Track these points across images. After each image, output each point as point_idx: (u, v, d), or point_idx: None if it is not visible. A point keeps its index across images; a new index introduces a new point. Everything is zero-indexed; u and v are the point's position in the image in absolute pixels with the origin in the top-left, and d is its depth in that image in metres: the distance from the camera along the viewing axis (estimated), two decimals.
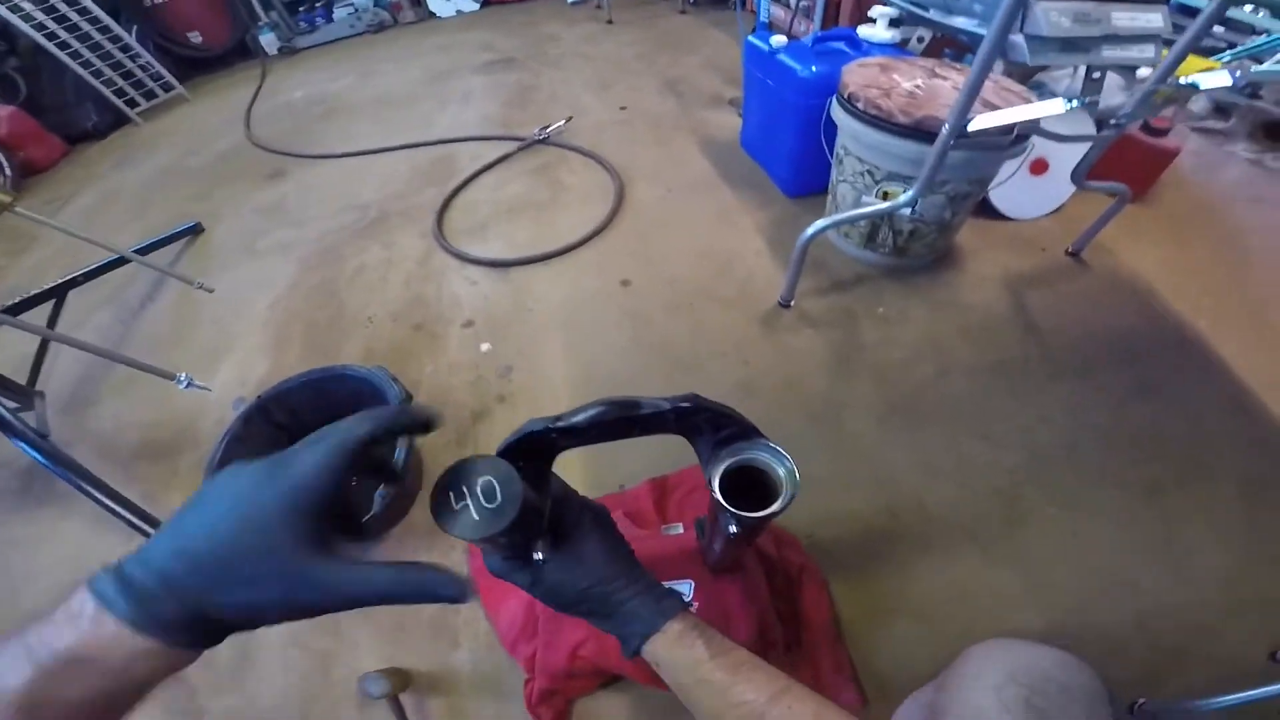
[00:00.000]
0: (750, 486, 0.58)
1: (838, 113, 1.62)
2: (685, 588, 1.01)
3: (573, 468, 1.36)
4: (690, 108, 2.55)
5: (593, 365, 1.57)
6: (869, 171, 1.61)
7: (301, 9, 4.61)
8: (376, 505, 1.17)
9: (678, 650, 0.54)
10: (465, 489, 0.45)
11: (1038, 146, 1.78)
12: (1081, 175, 1.62)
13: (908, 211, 1.58)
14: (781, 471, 0.57)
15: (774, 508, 0.55)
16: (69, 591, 0.37)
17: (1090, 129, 1.59)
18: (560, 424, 0.52)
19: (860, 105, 1.53)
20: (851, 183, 1.67)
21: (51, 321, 1.72)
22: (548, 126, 2.46)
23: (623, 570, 0.57)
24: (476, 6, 4.64)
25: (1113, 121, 1.48)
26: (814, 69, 1.76)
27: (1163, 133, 1.90)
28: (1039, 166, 1.85)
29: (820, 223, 1.53)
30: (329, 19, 4.60)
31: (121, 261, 1.90)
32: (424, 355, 1.64)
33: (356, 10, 4.58)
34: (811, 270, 1.73)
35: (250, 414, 1.32)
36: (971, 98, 1.21)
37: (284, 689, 1.15)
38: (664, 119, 2.50)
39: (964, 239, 1.82)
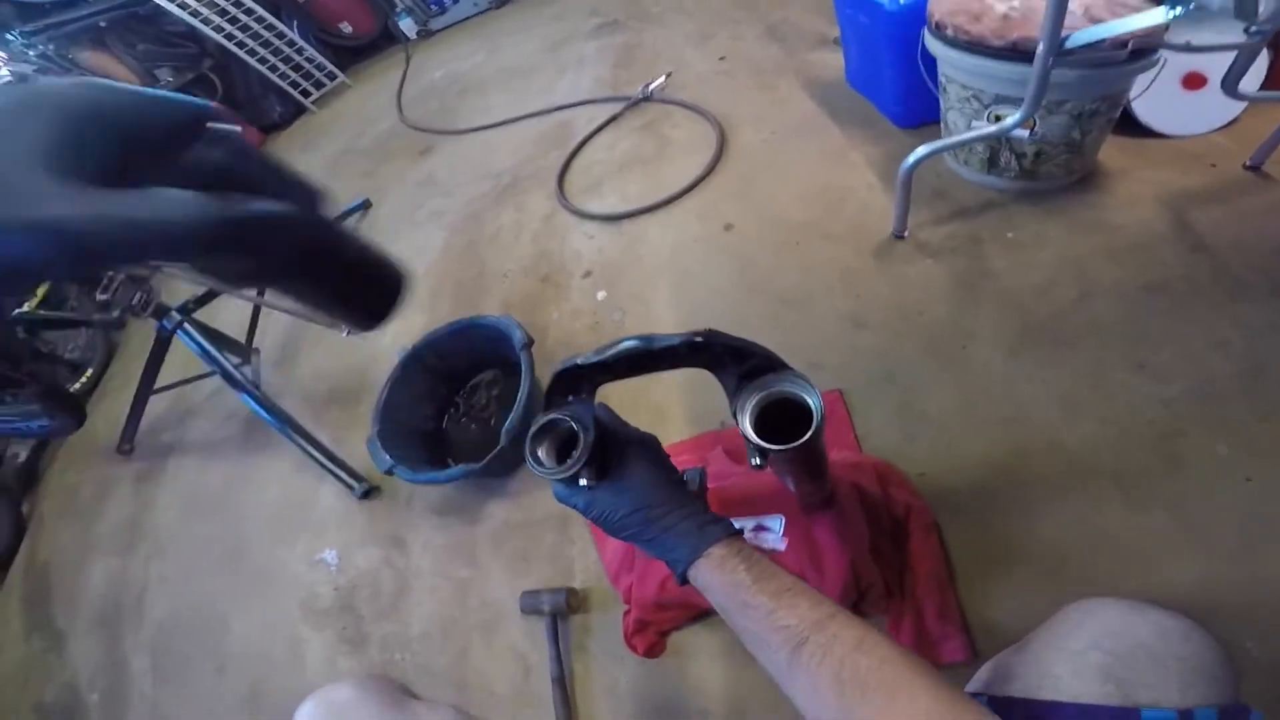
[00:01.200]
0: (787, 420, 0.54)
1: (931, 42, 1.37)
2: (775, 524, 0.92)
3: (674, 406, 1.30)
4: (794, 51, 2.28)
5: (698, 307, 1.49)
6: (975, 96, 1.36)
7: None
8: (502, 440, 1.16)
9: (720, 575, 0.51)
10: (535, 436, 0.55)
11: (1191, 59, 1.40)
12: (1233, 85, 1.25)
13: (1025, 134, 1.33)
14: (811, 402, 0.53)
15: (797, 442, 0.52)
16: None
17: (1237, 37, 1.21)
18: (584, 361, 0.54)
19: (950, 33, 1.29)
20: (959, 109, 1.42)
21: (261, 289, 1.87)
22: (650, 84, 2.32)
23: (667, 497, 0.54)
24: None
25: (1252, 29, 1.13)
26: (902, 1, 1.49)
27: None
28: (1195, 81, 1.44)
29: (921, 149, 1.31)
30: None
31: None
32: (550, 305, 1.64)
33: None
34: (931, 200, 1.49)
35: (407, 360, 1.38)
36: (1060, 12, 0.98)
37: (430, 614, 1.19)
38: (766, 65, 2.26)
39: (1109, 158, 1.46)
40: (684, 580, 0.53)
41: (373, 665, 1.15)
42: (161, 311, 1.50)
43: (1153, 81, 1.40)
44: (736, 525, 1.01)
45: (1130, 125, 1.49)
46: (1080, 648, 0.50)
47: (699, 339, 0.52)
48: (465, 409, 1.46)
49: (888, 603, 0.90)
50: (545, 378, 1.36)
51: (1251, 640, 0.79)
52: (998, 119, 1.35)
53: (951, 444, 1.07)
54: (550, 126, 2.44)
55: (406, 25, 4.52)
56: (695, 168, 1.85)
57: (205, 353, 1.50)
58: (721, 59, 2.41)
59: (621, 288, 1.61)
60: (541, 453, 0.56)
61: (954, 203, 1.48)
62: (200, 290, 1.68)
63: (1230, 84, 1.26)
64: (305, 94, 3.93)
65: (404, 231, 2.20)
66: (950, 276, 1.33)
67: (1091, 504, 0.96)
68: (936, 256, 1.38)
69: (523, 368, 1.23)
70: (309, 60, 3.95)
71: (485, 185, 2.24)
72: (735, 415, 0.54)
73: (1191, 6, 1.06)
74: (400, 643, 1.16)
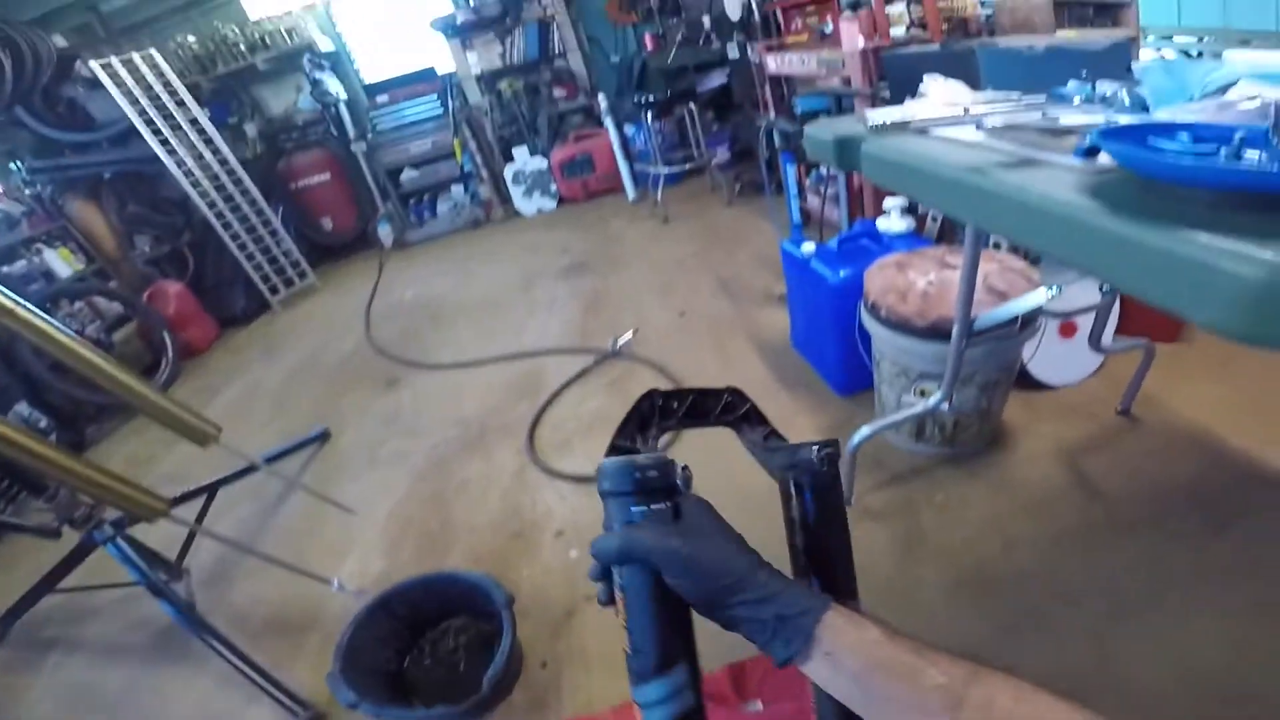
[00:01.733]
0: None
1: (867, 320, 1.79)
2: None
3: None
4: (743, 307, 2.83)
5: None
6: (904, 372, 1.78)
7: (412, 200, 5.48)
8: (485, 688, 1.35)
9: (853, 632, 0.46)
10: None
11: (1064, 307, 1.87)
12: (1097, 340, 1.77)
13: (945, 407, 1.76)
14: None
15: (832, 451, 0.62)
16: None
17: (1095, 297, 1.71)
18: (662, 391, 0.66)
19: (883, 313, 1.71)
20: (890, 383, 1.85)
21: (202, 513, 2.05)
22: (619, 339, 2.75)
23: (749, 548, 0.51)
24: (554, 205, 5.36)
25: (1104, 289, 1.64)
26: (842, 274, 1.95)
27: None
28: (1068, 329, 1.94)
29: (864, 430, 1.70)
30: (434, 213, 5.42)
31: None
32: (521, 561, 1.86)
33: (456, 205, 5.40)
34: (870, 468, 1.86)
35: (375, 606, 1.56)
36: (969, 299, 1.41)
37: None
38: (720, 322, 2.77)
39: (1013, 416, 1.90)
40: (795, 654, 0.46)
41: None
42: (97, 524, 1.61)
43: (1039, 345, 1.89)
44: None
45: (1023, 378, 1.94)
46: None
47: (736, 391, 0.71)
48: (430, 652, 1.62)
49: None
50: (523, 634, 1.57)
51: None
52: (923, 393, 1.78)
53: None
54: (520, 373, 2.82)
55: (384, 232, 5.24)
56: None
57: (134, 565, 1.60)
58: (681, 314, 2.94)
59: None
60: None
61: (890, 470, 1.86)
62: None
63: (1094, 340, 1.78)
64: (273, 290, 4.27)
65: (364, 471, 2.44)
66: (891, 537, 1.66)
67: None
68: (879, 520, 1.72)
69: (504, 625, 1.44)
70: (285, 253, 4.37)
71: (453, 431, 2.53)
72: (766, 463, 0.69)
73: (1065, 286, 1.53)
74: None
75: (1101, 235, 0.62)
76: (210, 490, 2.13)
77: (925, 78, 1.37)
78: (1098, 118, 0.94)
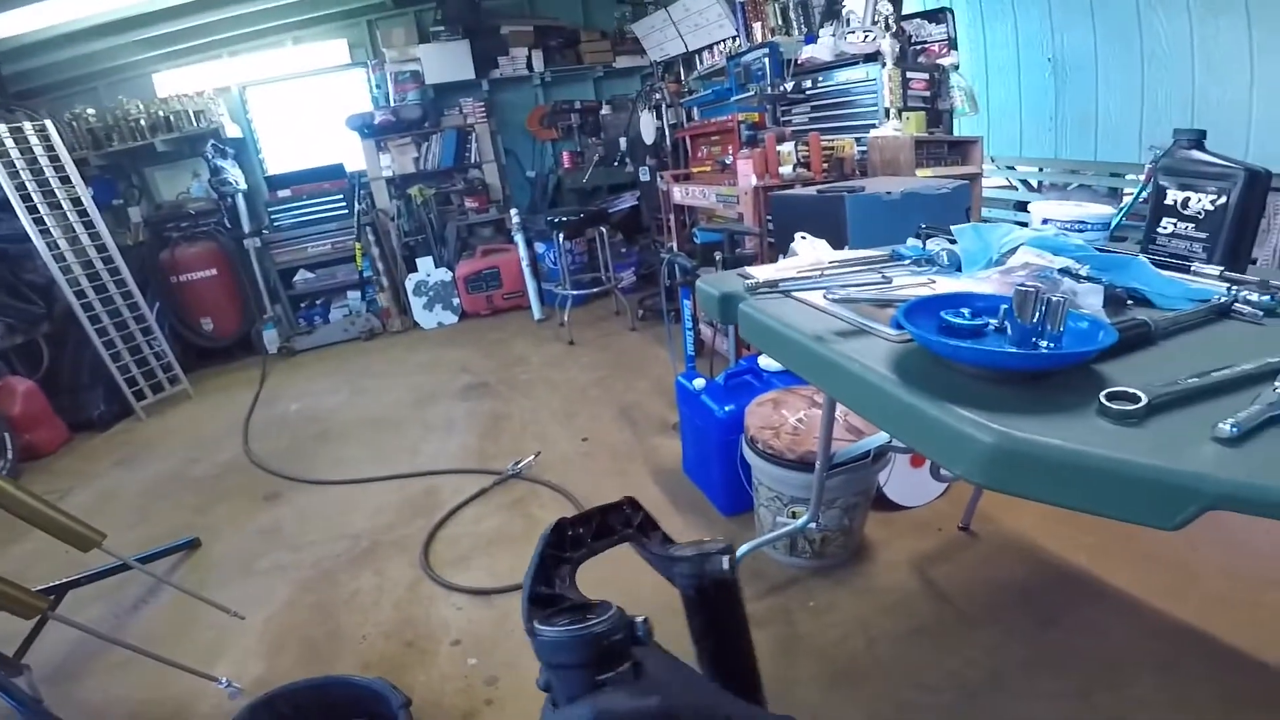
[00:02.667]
0: None
1: (747, 452, 2.32)
2: None
3: None
4: (643, 435, 3.29)
5: None
6: (778, 497, 2.30)
7: (303, 304, 5.65)
8: None
9: None
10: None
11: None
12: (937, 471, 2.36)
13: (813, 526, 2.27)
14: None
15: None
16: None
17: None
18: (570, 520, 0.77)
19: (760, 447, 2.24)
20: (768, 506, 2.36)
21: (51, 608, 2.04)
22: (520, 461, 3.08)
23: (712, 682, 0.61)
24: (455, 319, 5.75)
25: None
26: (727, 409, 2.49)
27: None
28: (917, 460, 2.51)
29: (744, 547, 2.18)
30: (326, 319, 5.59)
31: (123, 568, 2.29)
32: (416, 668, 2.10)
33: (351, 313, 5.62)
34: (751, 580, 2.29)
35: (257, 705, 1.72)
36: (827, 443, 1.92)
37: None
38: (620, 449, 3.21)
39: (873, 532, 2.44)
40: None
41: None
42: None
43: (891, 473, 2.46)
44: None
45: (881, 501, 2.50)
46: None
47: (631, 499, 0.82)
48: None
49: None
50: None
51: None
52: (794, 514, 2.29)
53: None
54: (415, 492, 3.08)
55: (270, 337, 5.32)
56: None
57: None
58: (584, 440, 3.36)
59: (494, 656, 2.12)
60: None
61: (768, 581, 2.32)
62: None
63: (935, 471, 2.37)
64: (139, 395, 4.22)
65: (238, 580, 2.59)
66: (772, 640, 2.07)
67: None
68: (760, 626, 2.09)
69: None
70: (156, 354, 4.37)
71: (341, 545, 2.74)
72: (667, 572, 0.81)
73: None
74: None
75: (893, 402, 0.82)
76: (59, 591, 2.23)
77: (795, 236, 1.79)
78: (921, 279, 1.23)
